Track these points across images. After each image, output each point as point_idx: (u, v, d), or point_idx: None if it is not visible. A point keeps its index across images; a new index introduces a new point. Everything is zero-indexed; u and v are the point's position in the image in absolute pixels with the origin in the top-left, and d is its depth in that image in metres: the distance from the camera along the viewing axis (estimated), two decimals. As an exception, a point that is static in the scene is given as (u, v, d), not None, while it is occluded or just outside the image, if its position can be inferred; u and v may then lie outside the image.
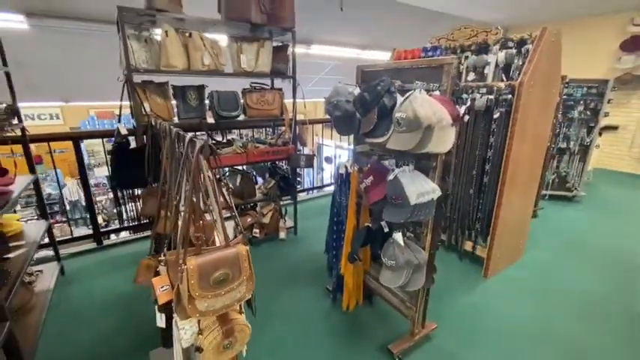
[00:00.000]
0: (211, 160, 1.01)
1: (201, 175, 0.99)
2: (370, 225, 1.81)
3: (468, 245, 2.77)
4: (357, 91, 1.76)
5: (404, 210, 1.48)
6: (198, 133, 2.56)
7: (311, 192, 4.59)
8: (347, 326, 2.02)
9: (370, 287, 2.11)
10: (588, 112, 4.07)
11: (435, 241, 1.69)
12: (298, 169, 3.27)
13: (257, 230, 2.91)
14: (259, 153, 2.74)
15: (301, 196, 4.32)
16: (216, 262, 0.92)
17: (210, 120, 2.49)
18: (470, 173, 2.60)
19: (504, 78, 2.47)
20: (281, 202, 3.17)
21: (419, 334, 1.86)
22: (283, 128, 3.06)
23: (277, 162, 3.12)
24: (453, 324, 2.03)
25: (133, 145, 2.26)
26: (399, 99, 1.44)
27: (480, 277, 2.58)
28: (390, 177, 1.53)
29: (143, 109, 2.22)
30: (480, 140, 2.48)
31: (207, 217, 1.15)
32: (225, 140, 2.90)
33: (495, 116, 2.34)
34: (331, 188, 4.69)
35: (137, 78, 2.22)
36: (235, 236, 1.10)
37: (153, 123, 1.86)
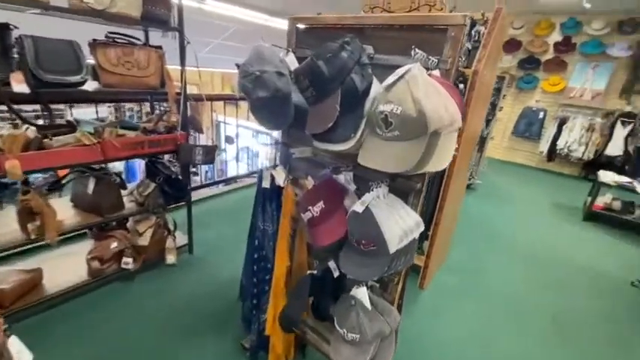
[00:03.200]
0: None
1: None
2: (314, 272, 1.18)
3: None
4: (290, 58, 1.07)
5: (378, 261, 0.91)
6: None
7: (213, 187, 3.67)
8: (275, 405, 1.40)
9: (306, 338, 1.52)
10: (489, 106, 4.28)
11: (405, 288, 1.19)
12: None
13: (129, 259, 1.95)
14: (126, 144, 1.76)
15: (198, 193, 3.38)
16: None
17: (21, 87, 1.40)
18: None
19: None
20: (167, 213, 2.24)
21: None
22: (167, 106, 2.11)
23: (159, 156, 2.16)
24: (405, 368, 1.64)
25: None
26: (378, 82, 0.82)
27: (416, 289, 2.29)
28: (357, 208, 0.92)
29: None
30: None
31: None
32: (62, 122, 1.79)
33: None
34: (248, 181, 3.87)
35: None
36: None
37: None
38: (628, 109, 5.03)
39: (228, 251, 2.45)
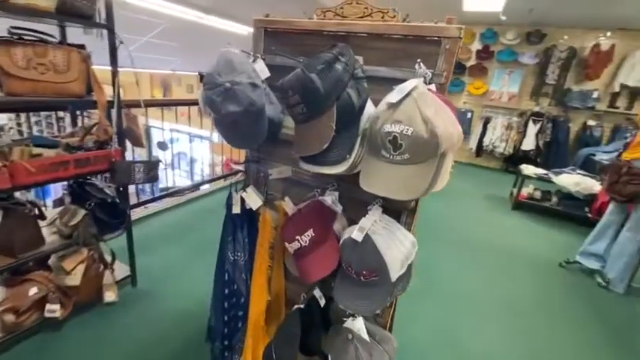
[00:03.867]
0: None
1: None
2: (301, 306, 1.06)
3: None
4: (260, 66, 0.94)
5: (380, 291, 0.84)
6: None
7: (154, 203, 3.25)
8: None
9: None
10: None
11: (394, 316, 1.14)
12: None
13: (55, 306, 1.59)
14: (44, 167, 1.42)
15: (134, 212, 2.97)
16: None
17: None
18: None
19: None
20: (102, 242, 1.89)
21: None
22: (96, 116, 1.77)
23: (88, 177, 1.81)
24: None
25: None
26: (377, 97, 0.73)
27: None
28: (355, 236, 0.83)
29: None
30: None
31: None
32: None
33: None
34: (190, 195, 3.50)
35: None
36: None
37: None
38: (537, 109, 5.80)
39: (177, 278, 2.17)
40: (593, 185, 3.82)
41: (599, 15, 4.73)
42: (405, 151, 0.67)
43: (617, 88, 5.41)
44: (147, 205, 3.14)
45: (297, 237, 0.90)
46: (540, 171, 4.26)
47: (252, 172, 1.18)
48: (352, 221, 1.01)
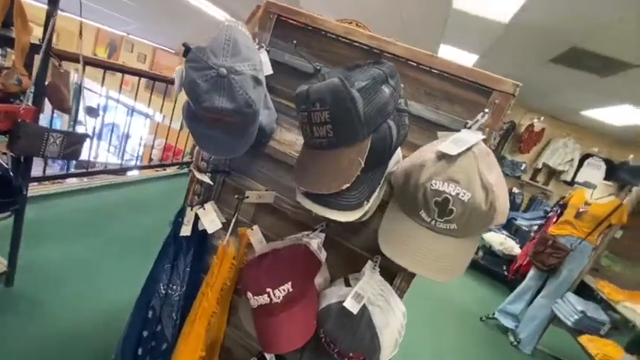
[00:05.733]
0: None
1: None
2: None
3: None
4: (263, 58, 0.73)
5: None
6: None
7: (68, 178, 2.65)
8: None
9: None
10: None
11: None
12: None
13: None
14: None
15: (38, 188, 2.36)
16: None
17: None
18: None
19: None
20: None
21: None
22: (12, 57, 1.34)
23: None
24: None
25: None
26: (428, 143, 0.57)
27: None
28: (350, 305, 0.64)
29: None
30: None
31: None
32: None
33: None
34: (112, 179, 2.93)
35: None
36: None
37: None
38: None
39: (77, 282, 1.70)
40: (514, 247, 4.21)
41: (538, 102, 5.42)
42: (454, 220, 0.51)
43: (540, 165, 6.23)
44: (55, 181, 2.54)
45: (269, 290, 0.68)
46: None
47: (217, 184, 0.93)
48: (332, 274, 0.82)
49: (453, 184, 0.51)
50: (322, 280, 0.77)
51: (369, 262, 0.78)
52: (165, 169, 3.61)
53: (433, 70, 0.73)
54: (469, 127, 0.60)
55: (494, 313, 3.16)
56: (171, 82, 3.03)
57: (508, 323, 3.08)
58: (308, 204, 0.61)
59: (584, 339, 2.42)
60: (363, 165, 0.55)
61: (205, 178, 0.81)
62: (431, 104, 0.73)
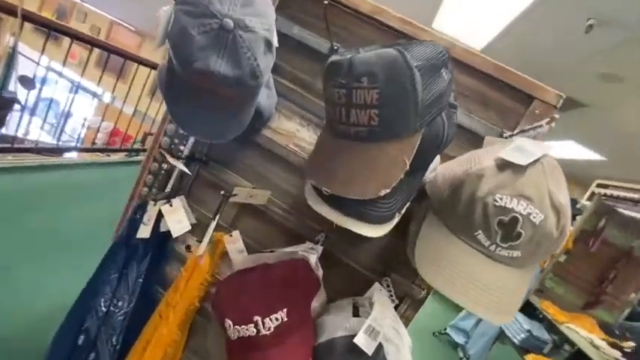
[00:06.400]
0: None
1: None
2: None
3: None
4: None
5: None
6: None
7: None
8: None
9: None
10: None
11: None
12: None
13: None
14: None
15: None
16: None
17: None
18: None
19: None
20: None
21: None
22: None
23: None
24: None
25: None
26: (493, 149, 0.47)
27: None
28: (362, 340, 0.50)
29: None
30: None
31: None
32: None
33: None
34: (64, 160, 2.48)
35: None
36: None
37: None
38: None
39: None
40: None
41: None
42: (519, 247, 0.41)
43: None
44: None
45: (258, 319, 0.52)
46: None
47: (190, 175, 0.74)
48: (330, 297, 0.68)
49: (524, 202, 0.40)
50: (318, 305, 0.62)
51: (377, 284, 0.65)
52: (109, 155, 3.18)
53: (470, 66, 0.64)
54: (527, 135, 0.50)
55: (446, 328, 3.22)
56: (132, 59, 2.69)
57: (459, 339, 3.15)
58: (326, 210, 0.46)
59: (530, 357, 2.53)
60: (408, 167, 0.42)
61: (181, 166, 0.62)
62: (463, 107, 0.63)
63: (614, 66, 2.05)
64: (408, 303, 0.69)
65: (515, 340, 2.74)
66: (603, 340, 2.38)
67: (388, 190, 0.42)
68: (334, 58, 0.43)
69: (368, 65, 0.39)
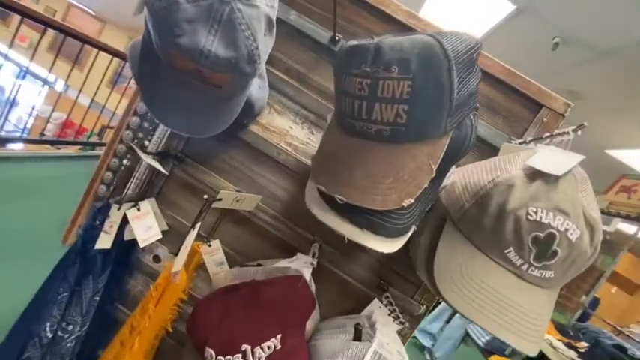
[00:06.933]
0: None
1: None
2: None
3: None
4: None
5: None
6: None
7: None
8: None
9: None
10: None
11: None
12: None
13: None
14: None
15: None
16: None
17: None
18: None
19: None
20: None
21: None
22: None
23: None
24: None
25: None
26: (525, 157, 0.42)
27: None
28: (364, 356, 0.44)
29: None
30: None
31: None
32: None
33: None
34: (7, 152, 2.18)
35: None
36: None
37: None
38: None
39: None
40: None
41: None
42: (554, 266, 0.36)
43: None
44: None
45: (247, 347, 0.43)
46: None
47: (163, 174, 0.63)
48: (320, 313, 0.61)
49: (561, 216, 0.36)
50: (313, 325, 0.55)
51: (376, 301, 0.59)
52: (60, 148, 2.86)
53: (483, 72, 0.60)
54: (542, 143, 0.47)
55: (414, 333, 3.26)
56: (92, 44, 2.43)
57: (426, 342, 3.20)
58: (335, 222, 0.39)
59: (493, 358, 2.62)
60: (434, 173, 0.37)
61: (156, 164, 0.52)
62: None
63: (576, 84, 2.17)
64: (406, 319, 0.64)
65: (480, 342, 2.84)
66: (559, 340, 2.52)
67: (412, 201, 0.36)
68: (355, 42, 0.36)
69: (400, 52, 0.33)
